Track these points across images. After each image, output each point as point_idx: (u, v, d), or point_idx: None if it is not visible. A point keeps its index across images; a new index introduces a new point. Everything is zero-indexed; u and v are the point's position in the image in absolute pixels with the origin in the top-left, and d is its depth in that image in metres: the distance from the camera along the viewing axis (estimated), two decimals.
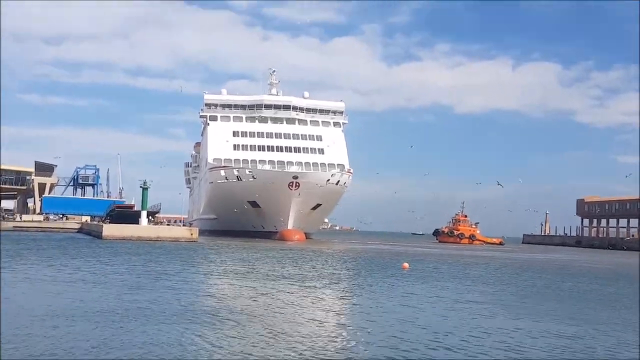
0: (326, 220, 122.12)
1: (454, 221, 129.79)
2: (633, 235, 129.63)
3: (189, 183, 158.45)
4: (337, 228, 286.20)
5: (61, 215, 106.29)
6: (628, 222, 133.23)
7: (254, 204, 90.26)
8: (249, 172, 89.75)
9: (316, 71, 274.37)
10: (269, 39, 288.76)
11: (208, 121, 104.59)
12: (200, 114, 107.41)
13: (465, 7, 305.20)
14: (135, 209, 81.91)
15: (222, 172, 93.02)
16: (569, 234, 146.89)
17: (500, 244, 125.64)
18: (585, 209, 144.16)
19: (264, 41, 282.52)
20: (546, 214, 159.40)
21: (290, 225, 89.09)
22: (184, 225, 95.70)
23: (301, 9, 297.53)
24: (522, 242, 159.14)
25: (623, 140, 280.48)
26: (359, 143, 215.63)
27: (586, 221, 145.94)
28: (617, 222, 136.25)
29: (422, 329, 18.16)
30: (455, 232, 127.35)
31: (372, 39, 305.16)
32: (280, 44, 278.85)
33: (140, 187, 75.82)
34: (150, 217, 77.51)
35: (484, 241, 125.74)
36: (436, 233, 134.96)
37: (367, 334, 17.13)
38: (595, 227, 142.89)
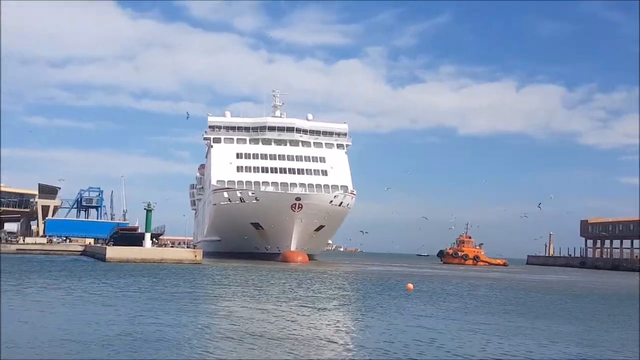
0: (330, 241, 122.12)
1: (458, 242, 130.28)
2: (637, 257, 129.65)
3: (194, 205, 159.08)
4: (342, 249, 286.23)
5: (65, 238, 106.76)
6: (632, 243, 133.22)
7: (257, 226, 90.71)
8: (252, 193, 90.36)
9: (321, 93, 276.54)
10: (273, 61, 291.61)
11: (212, 143, 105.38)
12: (204, 136, 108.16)
13: (469, 29, 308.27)
14: (139, 231, 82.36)
15: (225, 194, 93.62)
16: (573, 255, 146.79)
17: (504, 265, 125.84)
18: (589, 230, 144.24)
19: (269, 64, 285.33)
20: (550, 235, 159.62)
21: (293, 247, 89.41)
22: (187, 247, 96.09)
23: (306, 32, 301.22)
24: (527, 263, 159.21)
25: (626, 162, 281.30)
26: (364, 165, 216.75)
27: (590, 242, 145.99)
28: (621, 243, 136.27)
29: (431, 348, 18.73)
30: (459, 253, 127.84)
31: (377, 61, 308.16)
32: (285, 67, 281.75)
33: (144, 209, 76.44)
34: (154, 239, 77.85)
35: (488, 262, 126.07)
36: (440, 254, 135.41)
37: (380, 354, 17.61)
38: (599, 248, 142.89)
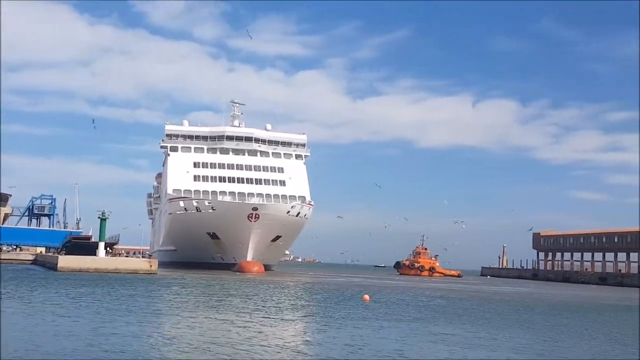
0: (287, 252, 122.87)
1: (414, 254, 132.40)
2: (587, 269, 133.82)
3: (152, 214, 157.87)
4: (300, 260, 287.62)
5: (15, 247, 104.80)
6: (582, 256, 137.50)
7: (213, 236, 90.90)
8: (208, 203, 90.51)
9: (281, 104, 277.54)
10: (234, 70, 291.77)
11: (169, 152, 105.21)
12: (161, 144, 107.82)
13: (427, 44, 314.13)
14: (93, 240, 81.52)
15: (181, 203, 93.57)
16: (525, 267, 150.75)
17: (459, 276, 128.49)
18: (541, 243, 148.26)
19: (229, 73, 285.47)
20: (504, 247, 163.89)
21: (249, 257, 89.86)
22: (143, 256, 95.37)
23: (267, 41, 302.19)
24: (481, 275, 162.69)
25: (578, 176, 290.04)
26: (324, 175, 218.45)
27: (542, 254, 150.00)
28: (572, 256, 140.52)
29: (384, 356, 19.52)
30: (415, 264, 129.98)
31: (337, 73, 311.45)
32: (246, 76, 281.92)
33: (99, 217, 75.58)
34: (108, 249, 76.89)
35: (443, 273, 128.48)
36: (397, 265, 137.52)
37: None
38: (550, 260, 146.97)
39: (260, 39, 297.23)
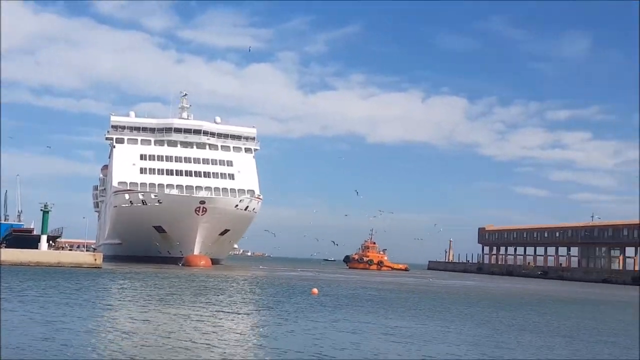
0: (236, 246, 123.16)
1: (363, 248, 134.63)
2: (529, 263, 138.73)
3: (97, 207, 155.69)
4: (249, 254, 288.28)
5: None
6: (525, 249, 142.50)
7: (159, 229, 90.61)
8: (155, 196, 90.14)
9: (233, 97, 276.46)
10: (183, 62, 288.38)
11: (114, 143, 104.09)
12: (107, 136, 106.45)
13: (378, 40, 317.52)
14: (35, 233, 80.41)
15: (127, 196, 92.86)
16: (470, 261, 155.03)
17: (406, 270, 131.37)
18: (486, 237, 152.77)
19: (179, 64, 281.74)
20: (450, 241, 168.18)
21: (197, 251, 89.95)
22: (87, 250, 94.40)
23: (217, 33, 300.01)
24: (428, 269, 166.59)
25: (521, 172, 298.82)
26: (275, 169, 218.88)
27: (487, 249, 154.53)
28: (515, 250, 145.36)
29: (329, 348, 20.53)
30: (364, 258, 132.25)
31: (289, 66, 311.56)
32: (196, 68, 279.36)
33: (41, 210, 74.57)
34: (50, 242, 76.25)
35: (391, 267, 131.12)
36: (347, 259, 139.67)
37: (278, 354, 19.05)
38: (494, 254, 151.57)
39: (211, 31, 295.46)
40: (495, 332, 27.73)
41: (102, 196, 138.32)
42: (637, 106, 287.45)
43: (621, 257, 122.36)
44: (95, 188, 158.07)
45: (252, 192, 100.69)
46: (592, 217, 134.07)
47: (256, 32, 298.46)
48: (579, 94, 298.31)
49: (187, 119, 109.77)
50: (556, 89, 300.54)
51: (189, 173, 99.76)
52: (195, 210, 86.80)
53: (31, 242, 73.68)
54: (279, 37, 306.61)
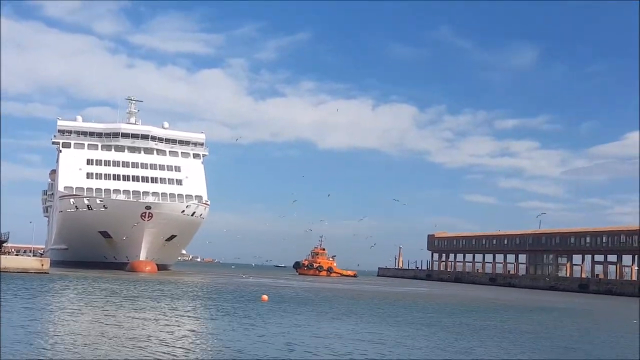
0: (184, 251, 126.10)
1: (312, 254, 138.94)
2: (478, 270, 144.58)
3: (47, 212, 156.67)
4: (199, 260, 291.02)
5: None
6: (473, 257, 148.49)
7: (105, 235, 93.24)
8: (100, 201, 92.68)
9: (183, 102, 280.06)
10: (133, 66, 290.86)
11: (61, 148, 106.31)
12: (53, 140, 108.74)
13: (328, 48, 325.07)
14: None
15: (72, 201, 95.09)
16: (420, 268, 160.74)
17: (354, 276, 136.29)
18: (435, 244, 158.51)
19: (129, 68, 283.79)
20: (399, 248, 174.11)
21: (142, 257, 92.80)
22: (34, 255, 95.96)
23: (168, 39, 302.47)
24: (378, 275, 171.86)
25: (471, 180, 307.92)
26: (225, 175, 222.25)
27: (436, 255, 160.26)
28: (464, 257, 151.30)
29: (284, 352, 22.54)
30: (314, 264, 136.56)
31: (239, 73, 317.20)
32: (146, 73, 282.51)
33: None
34: None
35: (340, 273, 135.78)
36: (297, 265, 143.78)
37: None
38: (444, 261, 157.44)
39: (161, 36, 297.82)
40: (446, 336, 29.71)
41: (50, 201, 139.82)
42: (583, 116, 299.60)
43: (568, 265, 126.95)
44: (45, 193, 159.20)
45: (199, 197, 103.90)
46: (540, 221, 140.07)
47: (207, 37, 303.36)
48: (526, 103, 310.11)
49: (135, 124, 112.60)
50: (504, 98, 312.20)
51: (136, 178, 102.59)
52: (141, 216, 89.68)
53: None
54: (230, 43, 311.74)
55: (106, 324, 28.29)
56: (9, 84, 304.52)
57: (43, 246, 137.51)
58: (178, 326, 28.90)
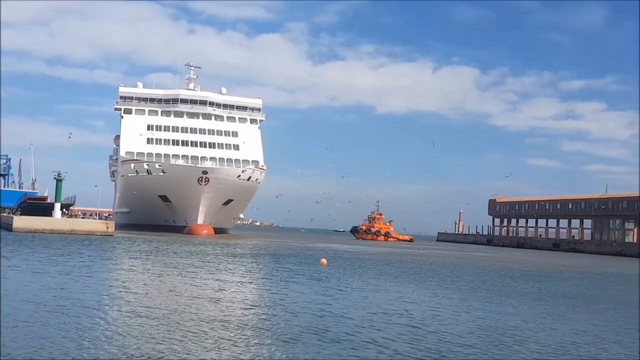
0: (242, 215, 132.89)
1: (370, 219, 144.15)
2: (540, 235, 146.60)
3: (113, 176, 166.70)
4: (258, 224, 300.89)
5: None
6: (536, 222, 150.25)
7: (164, 198, 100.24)
8: (159, 166, 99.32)
9: (241, 67, 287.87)
10: (194, 32, 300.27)
11: (122, 114, 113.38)
12: (115, 106, 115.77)
13: (388, 10, 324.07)
14: (49, 201, 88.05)
15: (132, 165, 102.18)
16: (481, 233, 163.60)
17: (410, 240, 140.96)
18: (497, 209, 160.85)
19: (189, 35, 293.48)
20: (460, 213, 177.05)
21: (200, 220, 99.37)
22: (100, 218, 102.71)
23: (228, 4, 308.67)
24: (437, 240, 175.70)
25: (533, 143, 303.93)
26: (283, 140, 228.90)
27: (497, 220, 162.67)
28: (526, 222, 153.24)
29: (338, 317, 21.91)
30: (372, 229, 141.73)
31: (298, 37, 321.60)
32: (206, 39, 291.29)
33: (54, 178, 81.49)
34: (64, 210, 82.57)
35: (397, 238, 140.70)
36: (354, 230, 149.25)
37: (290, 327, 19.41)
38: (505, 226, 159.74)
39: (221, 2, 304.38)
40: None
41: (115, 165, 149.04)
42: None
43: (635, 230, 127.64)
44: (111, 158, 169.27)
45: (256, 162, 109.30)
46: (607, 189, 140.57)
47: (266, 3, 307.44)
48: (593, 64, 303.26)
49: (194, 90, 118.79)
50: (570, 59, 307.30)
51: (194, 143, 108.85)
52: (198, 180, 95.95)
53: (45, 209, 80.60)
54: (289, 7, 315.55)
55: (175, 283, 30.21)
56: (73, 51, 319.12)
57: (109, 209, 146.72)
58: (243, 291, 29.46)
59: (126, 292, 26.27)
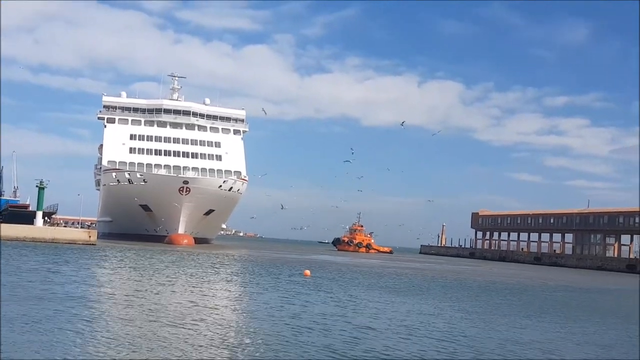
0: (224, 226, 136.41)
1: (351, 231, 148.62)
2: (522, 249, 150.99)
3: (98, 185, 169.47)
4: (241, 234, 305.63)
5: None
6: (518, 235, 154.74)
7: (146, 208, 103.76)
8: (140, 175, 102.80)
9: (228, 78, 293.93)
10: (180, 42, 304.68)
11: (106, 123, 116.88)
12: (98, 115, 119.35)
13: (375, 24, 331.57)
14: (31, 209, 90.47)
15: (114, 175, 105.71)
16: (463, 246, 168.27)
17: (390, 252, 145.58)
18: (479, 222, 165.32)
19: (176, 44, 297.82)
20: (443, 225, 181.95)
21: (181, 230, 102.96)
22: (82, 227, 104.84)
23: (215, 15, 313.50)
24: (420, 252, 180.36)
25: (517, 158, 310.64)
26: (268, 151, 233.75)
27: (480, 234, 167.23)
28: (509, 236, 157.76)
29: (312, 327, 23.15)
30: (354, 241, 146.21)
31: (285, 49, 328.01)
32: (192, 49, 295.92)
33: (37, 186, 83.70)
34: (46, 218, 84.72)
35: (377, 250, 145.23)
36: (336, 242, 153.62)
37: (268, 336, 20.55)
38: (488, 239, 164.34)
39: (208, 12, 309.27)
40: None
41: (99, 174, 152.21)
42: (636, 94, 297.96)
43: (616, 245, 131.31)
44: (96, 167, 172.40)
45: (238, 173, 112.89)
46: (588, 204, 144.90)
47: (253, 13, 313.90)
48: (577, 80, 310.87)
49: (178, 100, 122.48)
50: (554, 75, 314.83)
51: (177, 153, 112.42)
52: (179, 190, 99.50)
53: (27, 217, 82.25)
54: (277, 19, 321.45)
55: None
56: (60, 59, 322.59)
57: (91, 218, 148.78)
58: (224, 303, 30.43)
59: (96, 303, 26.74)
